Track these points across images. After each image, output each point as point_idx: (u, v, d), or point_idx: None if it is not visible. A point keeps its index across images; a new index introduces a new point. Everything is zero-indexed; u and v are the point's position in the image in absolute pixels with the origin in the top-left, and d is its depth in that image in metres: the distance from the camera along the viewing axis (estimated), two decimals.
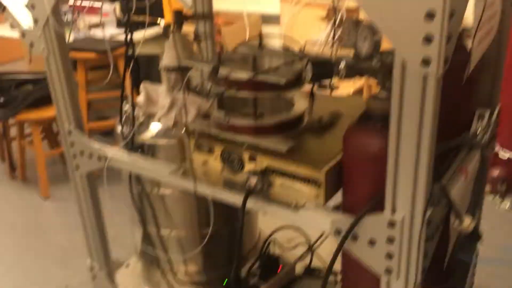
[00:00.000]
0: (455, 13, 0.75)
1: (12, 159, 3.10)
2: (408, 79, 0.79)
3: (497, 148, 2.60)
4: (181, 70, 1.38)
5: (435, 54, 0.74)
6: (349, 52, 1.05)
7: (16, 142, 3.01)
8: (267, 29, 4.19)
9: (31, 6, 1.26)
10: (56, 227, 2.56)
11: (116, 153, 1.35)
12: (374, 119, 0.97)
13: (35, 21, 1.27)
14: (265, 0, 4.22)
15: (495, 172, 2.61)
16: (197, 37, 1.66)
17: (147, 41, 1.81)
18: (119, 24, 3.39)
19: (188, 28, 1.53)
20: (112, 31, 3.24)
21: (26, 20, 1.30)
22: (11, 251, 2.35)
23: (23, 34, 1.32)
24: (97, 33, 3.25)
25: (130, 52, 1.28)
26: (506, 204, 2.60)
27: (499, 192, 2.64)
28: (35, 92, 2.83)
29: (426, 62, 0.75)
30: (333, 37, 1.25)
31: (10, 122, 3.05)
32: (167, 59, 1.42)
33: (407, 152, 0.85)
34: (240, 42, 1.34)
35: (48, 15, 1.24)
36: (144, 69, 1.39)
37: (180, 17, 1.43)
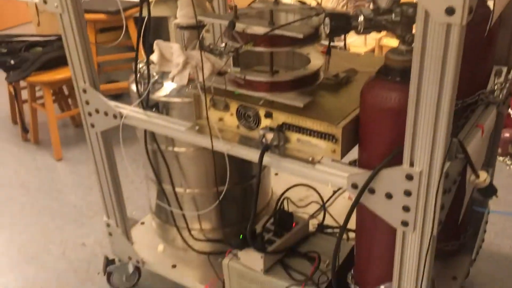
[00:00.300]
0: None
1: (24, 122, 3.11)
2: (431, 29, 0.78)
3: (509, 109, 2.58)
4: (196, 28, 1.37)
5: (459, 2, 0.73)
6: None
7: (28, 105, 3.01)
8: None
9: None
10: (70, 188, 2.59)
11: (132, 111, 1.35)
12: (393, 73, 0.96)
13: None
14: None
15: (506, 134, 2.60)
16: None
17: (156, 2, 1.78)
18: None
19: None
20: None
21: None
22: (28, 211, 2.39)
23: None
24: None
25: (143, 12, 1.27)
26: None
27: (509, 154, 2.64)
28: (46, 54, 2.82)
29: (450, 11, 0.74)
30: None
31: (21, 84, 3.05)
32: (181, 17, 1.40)
33: (427, 105, 0.85)
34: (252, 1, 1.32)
35: None
36: (152, 31, 1.37)
37: None
